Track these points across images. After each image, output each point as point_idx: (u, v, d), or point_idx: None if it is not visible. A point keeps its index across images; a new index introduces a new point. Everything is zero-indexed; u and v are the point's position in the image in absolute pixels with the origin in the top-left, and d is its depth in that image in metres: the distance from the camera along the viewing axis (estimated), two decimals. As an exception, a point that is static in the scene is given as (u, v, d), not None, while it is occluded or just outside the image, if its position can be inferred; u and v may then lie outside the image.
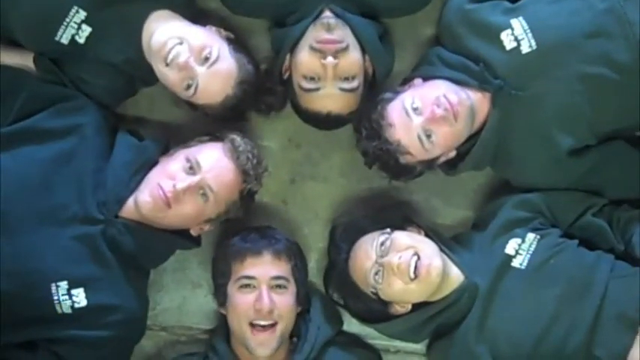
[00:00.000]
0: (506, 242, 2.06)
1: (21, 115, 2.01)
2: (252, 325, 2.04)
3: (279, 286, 2.06)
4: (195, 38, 1.97)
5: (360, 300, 2.09)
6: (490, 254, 2.07)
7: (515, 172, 2.16)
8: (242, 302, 2.04)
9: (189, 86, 1.97)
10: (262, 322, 2.04)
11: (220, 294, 2.12)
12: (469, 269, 2.05)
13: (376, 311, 2.08)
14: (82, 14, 1.97)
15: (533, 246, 2.04)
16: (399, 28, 2.24)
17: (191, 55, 1.94)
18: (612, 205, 2.14)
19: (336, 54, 2.00)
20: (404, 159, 2.04)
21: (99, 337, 1.96)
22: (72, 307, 1.93)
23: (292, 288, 2.10)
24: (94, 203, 1.99)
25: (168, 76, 1.97)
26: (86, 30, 1.99)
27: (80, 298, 1.94)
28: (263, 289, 2.03)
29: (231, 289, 2.07)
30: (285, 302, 2.07)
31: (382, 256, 1.99)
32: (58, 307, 1.93)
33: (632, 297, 1.96)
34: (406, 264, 1.96)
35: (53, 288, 1.92)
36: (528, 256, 2.03)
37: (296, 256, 2.15)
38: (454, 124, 1.98)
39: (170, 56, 1.93)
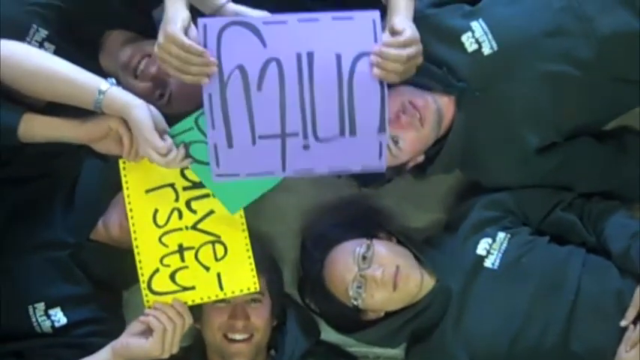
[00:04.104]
0: (477, 243, 2.07)
1: None
2: (226, 337, 2.05)
3: (253, 301, 2.05)
4: None
5: (334, 308, 2.09)
6: (462, 256, 2.08)
7: (484, 173, 2.16)
8: (216, 317, 2.04)
9: (162, 95, 1.94)
10: (237, 337, 2.04)
11: (195, 309, 2.10)
12: (441, 272, 2.06)
13: (350, 318, 2.08)
14: (43, 32, 1.92)
15: (504, 245, 2.05)
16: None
17: None
18: (582, 198, 2.15)
19: None
20: (372, 166, 2.04)
21: (85, 344, 1.94)
22: (52, 326, 1.94)
23: (267, 301, 2.09)
24: (65, 227, 1.98)
25: (139, 88, 1.93)
26: (50, 48, 1.94)
27: (59, 316, 1.95)
28: (237, 305, 2.03)
29: (206, 304, 2.06)
30: (259, 316, 2.06)
31: (364, 269, 2.00)
32: (37, 328, 1.94)
33: (605, 290, 1.97)
34: (389, 277, 1.97)
35: (30, 310, 1.94)
36: (500, 255, 2.04)
37: (270, 269, 2.14)
38: (421, 128, 1.98)
39: (140, 67, 1.91)
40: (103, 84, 1.73)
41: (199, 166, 1.82)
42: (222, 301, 2.03)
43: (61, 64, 1.76)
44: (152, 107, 1.75)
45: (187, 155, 1.79)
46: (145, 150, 1.73)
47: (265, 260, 2.11)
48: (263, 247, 2.16)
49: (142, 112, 1.71)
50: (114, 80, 1.76)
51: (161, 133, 1.74)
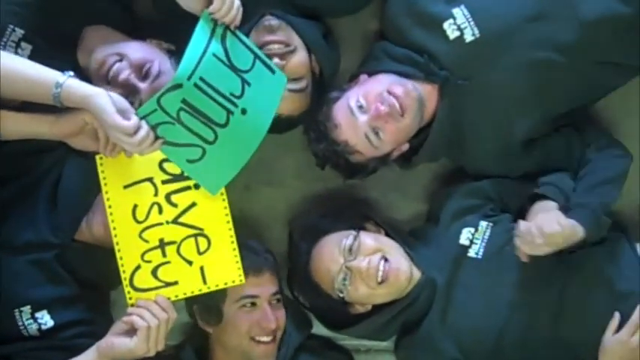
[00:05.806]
0: (460, 232, 2.05)
1: None
2: (254, 339, 2.05)
3: (277, 301, 2.07)
4: (134, 53, 1.91)
5: (321, 301, 2.08)
6: (445, 247, 2.07)
7: (470, 161, 2.15)
8: (245, 321, 2.04)
9: (132, 103, 1.93)
10: (265, 339, 2.05)
11: (213, 314, 2.08)
12: (426, 264, 2.04)
13: (338, 311, 2.07)
14: (19, 32, 1.91)
15: (487, 234, 2.03)
16: (344, 25, 2.22)
17: (132, 71, 1.90)
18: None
19: (282, 56, 1.97)
20: (354, 158, 2.02)
21: (73, 345, 1.93)
22: (39, 329, 1.92)
23: (282, 300, 2.10)
24: (49, 228, 1.96)
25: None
26: (27, 48, 1.92)
27: (46, 319, 1.93)
28: (266, 308, 2.04)
29: (229, 308, 2.05)
30: (282, 315, 2.09)
31: (350, 260, 1.98)
32: (24, 332, 1.92)
33: (594, 278, 1.96)
34: (374, 269, 1.96)
35: (17, 314, 1.92)
36: (483, 244, 2.02)
37: (277, 267, 2.14)
38: (401, 118, 1.96)
39: (110, 74, 1.88)
40: (60, 77, 1.71)
41: (171, 148, 1.79)
42: (253, 304, 2.03)
43: (16, 61, 1.74)
44: (113, 94, 1.73)
45: (157, 137, 1.77)
46: (114, 135, 1.70)
47: (274, 259, 2.12)
48: (265, 245, 2.16)
49: (102, 99, 1.69)
50: (71, 72, 1.74)
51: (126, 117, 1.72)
